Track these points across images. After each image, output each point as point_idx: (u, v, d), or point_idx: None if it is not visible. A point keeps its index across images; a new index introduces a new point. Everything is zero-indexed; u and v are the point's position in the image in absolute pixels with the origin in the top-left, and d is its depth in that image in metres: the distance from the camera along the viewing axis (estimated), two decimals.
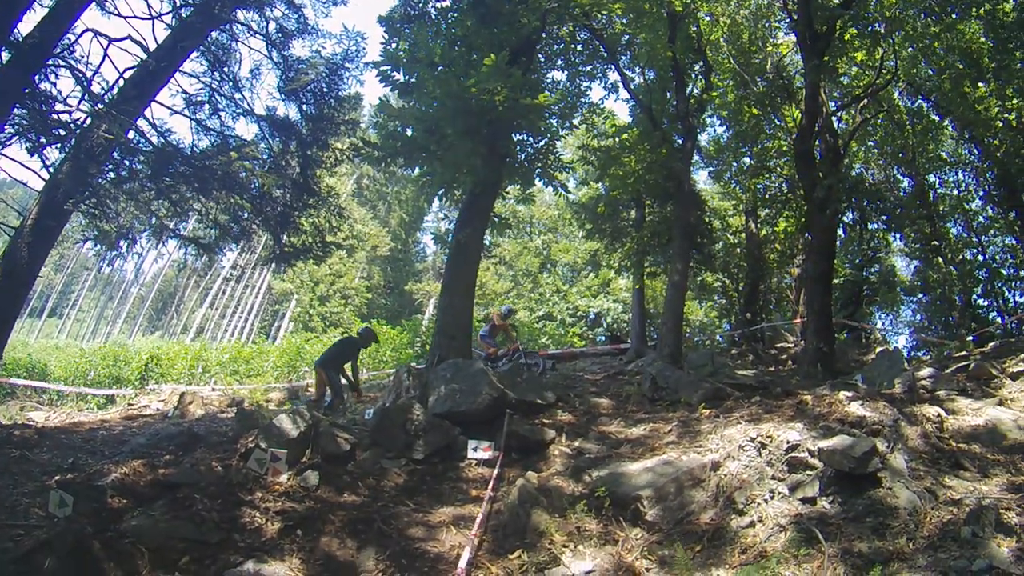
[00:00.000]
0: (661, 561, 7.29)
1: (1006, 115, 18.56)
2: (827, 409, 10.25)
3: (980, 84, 20.89)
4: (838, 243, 29.87)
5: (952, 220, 34.23)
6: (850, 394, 10.95)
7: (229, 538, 7.41)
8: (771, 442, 8.87)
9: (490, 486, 8.98)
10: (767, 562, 6.85)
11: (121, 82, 13.49)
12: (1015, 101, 18.56)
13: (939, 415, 10.98)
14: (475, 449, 10.22)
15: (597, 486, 8.56)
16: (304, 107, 16.95)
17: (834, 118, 22.63)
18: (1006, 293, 32.39)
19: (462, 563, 6.91)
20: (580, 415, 12.42)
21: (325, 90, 17.05)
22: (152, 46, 13.77)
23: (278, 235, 16.73)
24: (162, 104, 14.69)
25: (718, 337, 31.30)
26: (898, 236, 32.74)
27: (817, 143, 20.08)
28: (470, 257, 16.52)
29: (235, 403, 17.34)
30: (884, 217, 25.90)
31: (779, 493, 8.09)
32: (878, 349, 16.83)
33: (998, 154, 22.82)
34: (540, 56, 20.66)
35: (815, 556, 6.82)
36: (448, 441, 10.48)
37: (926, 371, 13.96)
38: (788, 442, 8.78)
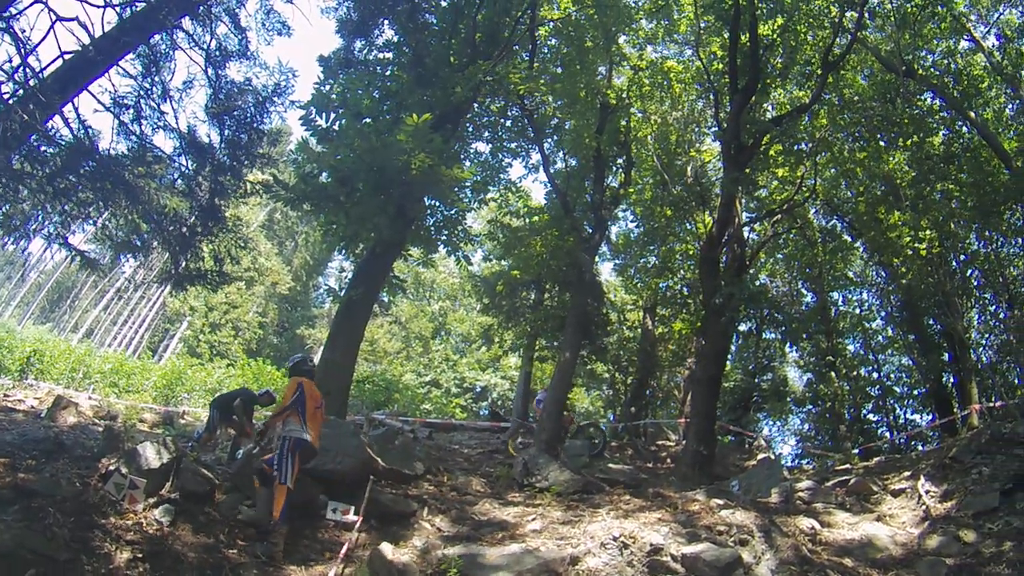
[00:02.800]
0: None
1: (917, 244, 19.56)
2: (697, 514, 10.54)
3: (896, 211, 21.97)
4: (733, 348, 30.88)
5: (851, 337, 35.56)
6: (721, 501, 11.29)
7: (77, 559, 7.30)
8: (634, 543, 9.06)
9: (343, 551, 9.01)
10: None
11: (59, 63, 13.26)
12: (928, 232, 19.58)
13: (813, 527, 11.43)
14: (334, 511, 10.21)
15: (451, 567, 8.60)
16: (226, 132, 16.84)
17: (745, 228, 23.61)
18: (897, 410, 33.65)
19: None
20: (448, 491, 12.58)
21: (249, 119, 16.96)
22: (98, 33, 13.58)
23: (177, 258, 16.63)
24: (92, 94, 14.39)
25: (602, 426, 31.91)
26: (794, 348, 33.88)
27: (724, 251, 20.88)
28: (358, 316, 16.73)
29: (109, 417, 17.14)
30: (782, 329, 26.97)
31: None
32: (759, 456, 17.40)
33: (904, 280, 23.99)
34: (468, 126, 21.12)
35: None
36: (308, 499, 10.38)
37: (805, 483, 14.62)
38: (651, 544, 8.99)
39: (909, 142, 21.05)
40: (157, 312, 63.36)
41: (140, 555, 7.76)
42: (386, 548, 8.89)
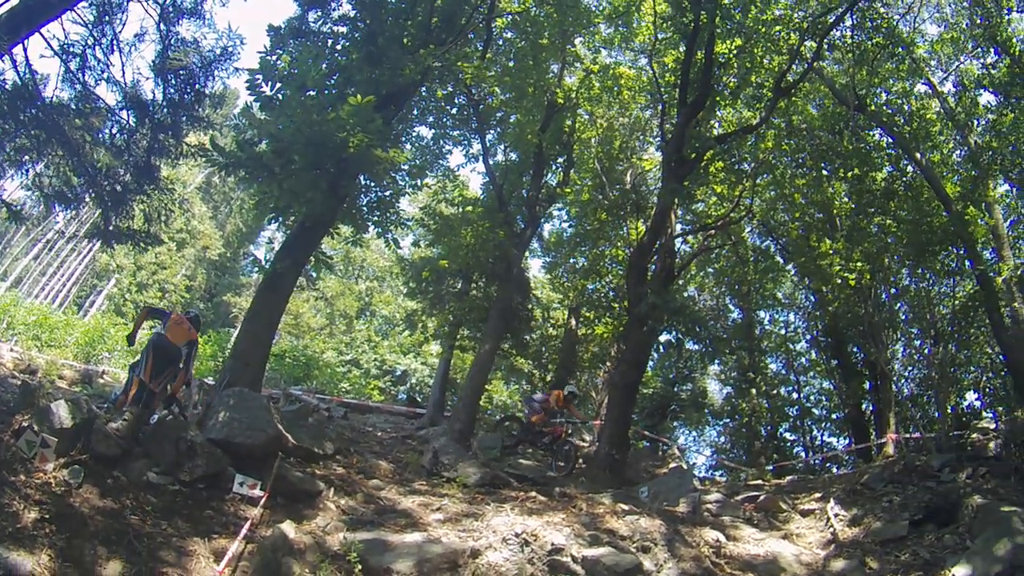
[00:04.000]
0: None
1: (846, 274, 19.97)
2: (601, 517, 10.72)
3: (828, 240, 22.43)
4: (655, 356, 31.31)
5: (774, 356, 36.32)
6: (627, 506, 11.52)
7: None
8: (536, 541, 9.25)
9: (247, 525, 9.05)
10: None
11: (15, 1, 13.10)
12: (860, 264, 20.03)
13: (718, 540, 11.59)
14: (241, 484, 10.14)
15: (352, 550, 8.70)
16: (170, 90, 16.82)
17: (678, 240, 23.94)
18: (814, 431, 34.45)
19: None
20: (356, 473, 12.61)
21: (194, 80, 17.00)
22: None
23: (108, 214, 16.52)
24: (43, 36, 14.15)
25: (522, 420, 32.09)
26: (716, 361, 34.45)
27: (654, 260, 21.16)
28: (283, 288, 16.61)
29: (28, 371, 16.86)
30: (705, 343, 27.46)
31: None
32: (672, 464, 17.71)
33: (831, 308, 24.53)
34: (414, 109, 21.09)
35: None
36: (217, 470, 10.32)
37: (714, 495, 14.78)
38: (553, 544, 9.18)
39: (851, 174, 21.47)
40: (87, 267, 62.07)
41: (47, 516, 7.73)
42: (288, 527, 8.94)
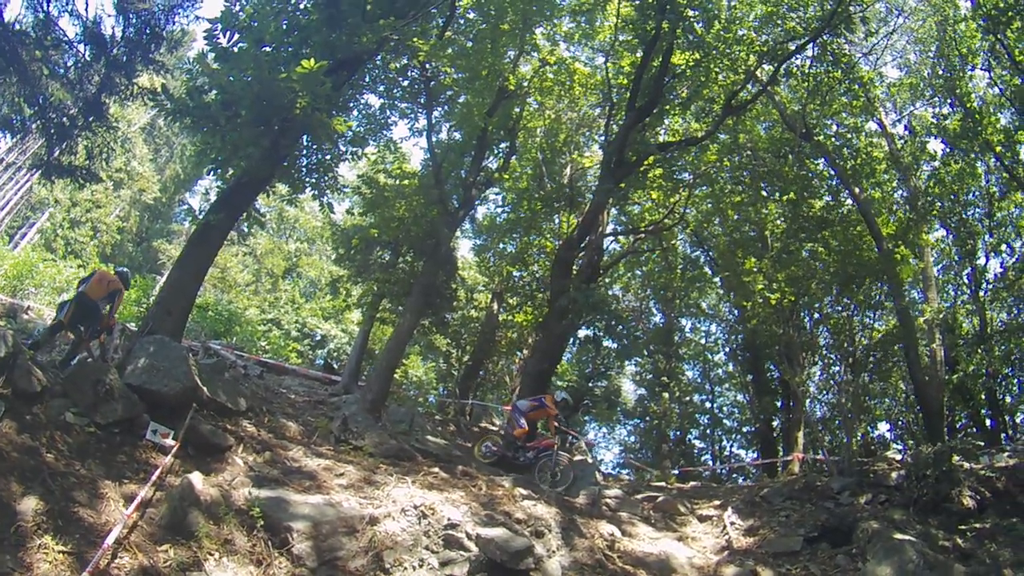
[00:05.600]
0: None
1: (768, 294, 20.41)
2: (499, 499, 11.11)
3: (753, 258, 22.98)
4: (573, 350, 31.87)
5: (691, 364, 37.22)
6: (526, 492, 11.90)
7: None
8: (433, 514, 9.58)
9: (156, 473, 9.23)
10: None
11: None
12: (783, 285, 20.53)
13: (613, 535, 12.06)
14: (155, 432, 10.29)
15: (255, 505, 9.00)
16: (129, 29, 16.73)
17: (609, 239, 24.46)
18: (724, 441, 35.42)
19: (109, 539, 7.26)
20: (266, 432, 12.78)
21: (154, 21, 16.91)
22: None
23: (52, 146, 16.51)
24: None
25: (430, 399, 32.28)
26: (632, 362, 35.15)
27: (581, 255, 21.59)
28: (212, 241, 16.70)
29: None
30: (623, 342, 27.94)
31: (428, 564, 8.82)
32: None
33: (749, 324, 25.16)
34: (366, 76, 21.18)
35: None
36: (133, 415, 10.45)
37: (614, 491, 15.31)
38: (449, 519, 9.53)
39: (787, 198, 21.91)
40: (22, 197, 60.62)
41: None
42: (196, 478, 9.14)
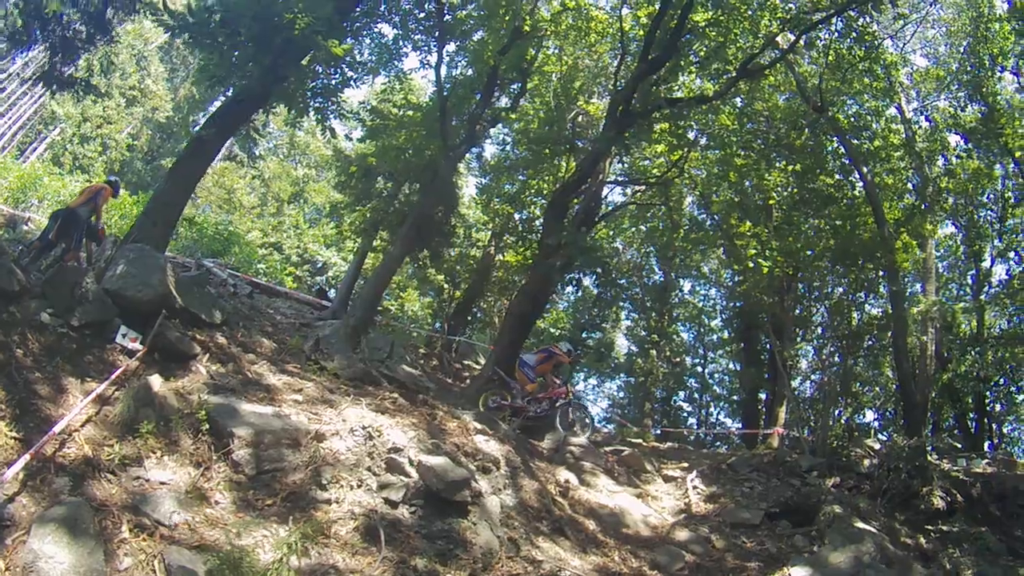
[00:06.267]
0: (237, 498, 8.02)
1: (761, 260, 20.24)
2: (451, 431, 11.09)
3: (749, 222, 22.85)
4: (570, 299, 31.88)
5: (686, 326, 37.26)
6: (481, 426, 11.86)
7: None
8: (379, 436, 9.61)
9: (118, 371, 9.38)
10: (327, 539, 7.64)
11: None
12: (776, 255, 20.39)
13: (568, 482, 12.26)
14: (124, 336, 10.45)
15: (203, 409, 9.09)
16: None
17: (609, 188, 24.32)
18: (712, 408, 35.59)
19: (57, 427, 7.44)
20: (236, 346, 12.80)
21: None
22: None
23: (55, 59, 16.64)
24: None
25: (420, 331, 32.37)
26: (629, 317, 35.25)
27: (578, 201, 21.58)
28: (204, 155, 16.95)
29: None
30: (623, 296, 27.99)
31: (367, 485, 8.87)
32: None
33: (738, 289, 25.15)
34: (381, 5, 21.03)
35: (371, 553, 7.67)
36: (105, 319, 10.62)
37: (582, 440, 15.25)
38: (394, 443, 9.54)
39: (795, 167, 21.71)
40: (36, 112, 60.49)
41: None
42: (154, 380, 9.33)
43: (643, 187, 25.01)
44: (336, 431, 9.63)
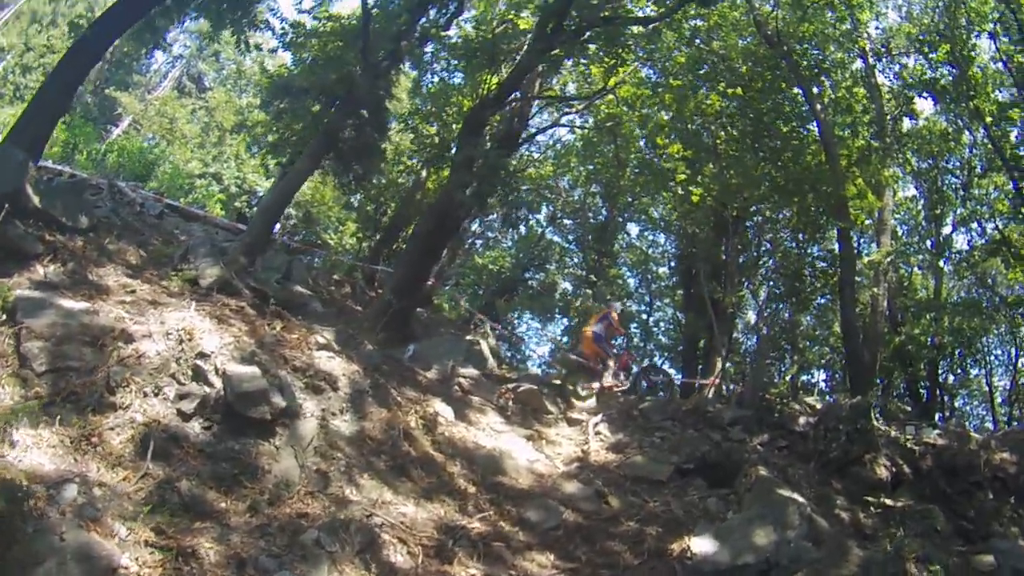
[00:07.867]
0: (17, 394, 7.30)
1: (691, 188, 19.48)
2: (288, 343, 10.25)
3: (676, 147, 22.32)
4: (514, 237, 31.29)
5: (633, 271, 36.78)
6: (325, 341, 10.94)
7: None
8: (190, 340, 8.81)
9: None
10: (89, 446, 6.91)
11: None
12: (710, 183, 19.64)
13: (438, 415, 11.09)
14: None
15: (5, 299, 8.53)
16: None
17: (538, 110, 23.91)
18: (656, 357, 35.09)
19: None
20: (95, 250, 12.02)
21: None
22: None
23: None
24: None
25: (351, 261, 31.42)
26: (574, 260, 34.73)
27: (498, 117, 21.05)
28: (88, 54, 16.24)
29: None
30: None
31: (164, 394, 7.99)
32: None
33: (671, 219, 24.57)
34: None
35: (139, 467, 6.90)
36: None
37: (473, 371, 14.43)
38: (203, 350, 8.73)
39: (737, 91, 21.10)
40: None
41: None
42: None
43: (572, 103, 24.18)
44: (149, 333, 8.78)
